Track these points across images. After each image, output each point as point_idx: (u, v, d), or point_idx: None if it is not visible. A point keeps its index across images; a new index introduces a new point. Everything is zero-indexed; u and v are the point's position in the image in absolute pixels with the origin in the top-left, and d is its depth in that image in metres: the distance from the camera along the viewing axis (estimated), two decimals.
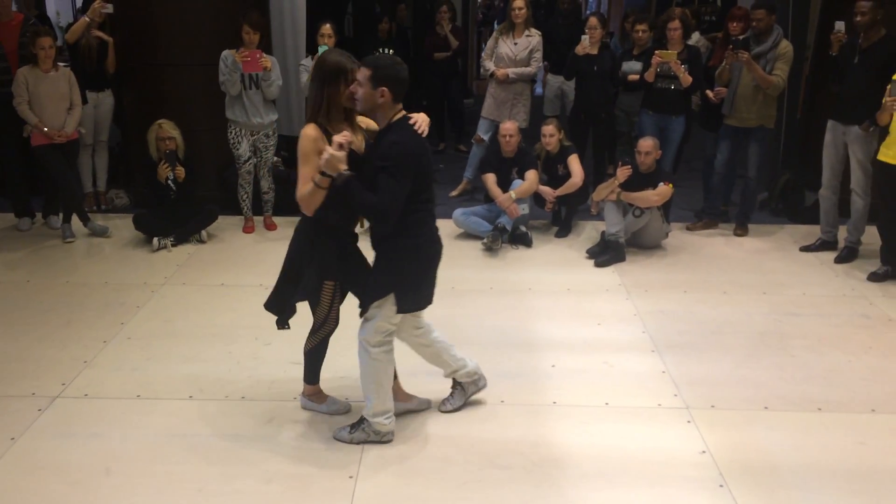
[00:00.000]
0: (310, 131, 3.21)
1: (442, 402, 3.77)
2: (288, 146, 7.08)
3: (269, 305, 3.57)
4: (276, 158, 6.58)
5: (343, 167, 3.11)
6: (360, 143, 3.34)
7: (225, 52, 5.97)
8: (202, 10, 6.54)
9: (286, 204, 6.73)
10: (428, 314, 3.59)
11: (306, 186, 3.17)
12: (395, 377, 3.65)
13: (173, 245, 5.95)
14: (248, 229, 6.37)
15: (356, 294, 3.48)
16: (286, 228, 6.43)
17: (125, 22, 6.67)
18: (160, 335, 4.54)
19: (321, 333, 3.56)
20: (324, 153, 3.10)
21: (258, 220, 6.48)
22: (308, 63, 6.23)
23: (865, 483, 3.26)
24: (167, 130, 5.89)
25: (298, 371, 4.11)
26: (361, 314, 3.40)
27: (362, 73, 3.17)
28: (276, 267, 5.45)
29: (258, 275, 5.37)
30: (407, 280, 3.33)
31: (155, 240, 5.89)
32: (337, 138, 3.13)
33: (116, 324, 4.68)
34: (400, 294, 3.31)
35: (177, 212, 5.99)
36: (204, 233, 6.10)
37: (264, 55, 5.97)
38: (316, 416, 3.71)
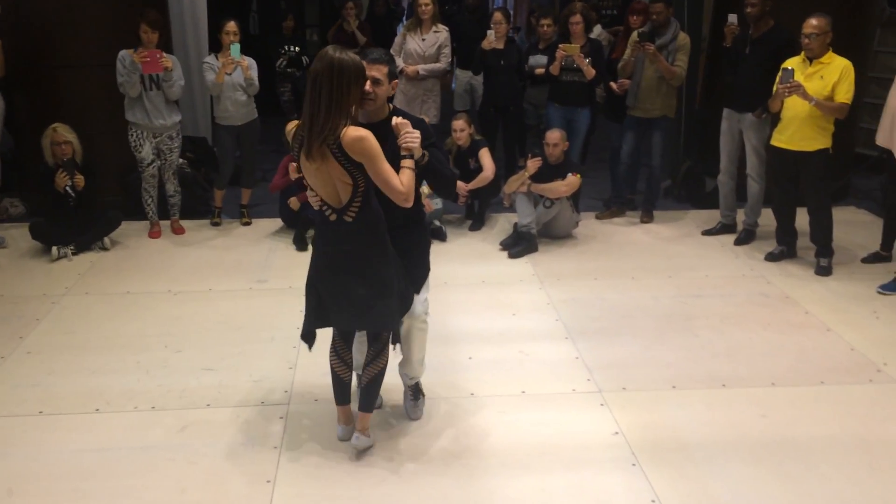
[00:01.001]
0: (363, 132, 2.96)
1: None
2: (193, 147, 6.88)
3: (389, 326, 3.36)
4: (181, 161, 6.39)
5: (420, 149, 3.12)
6: None
7: (122, 53, 5.75)
8: (98, 8, 6.27)
9: (193, 207, 6.58)
10: None
11: (405, 176, 3.03)
12: (349, 401, 3.54)
13: (74, 254, 5.71)
14: (154, 234, 6.17)
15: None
16: (194, 232, 6.30)
17: (16, 22, 6.33)
18: (62, 348, 4.36)
19: (386, 342, 3.41)
20: (409, 139, 3.04)
21: (165, 224, 6.28)
22: (212, 61, 6.06)
23: (767, 453, 3.43)
24: (62, 135, 5.64)
25: (210, 377, 4.03)
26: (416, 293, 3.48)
27: (380, 71, 3.11)
28: (186, 272, 5.35)
29: (166, 281, 5.21)
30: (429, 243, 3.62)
31: (54, 249, 5.64)
32: (401, 121, 3.09)
33: (14, 338, 4.46)
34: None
35: (77, 219, 5.74)
36: (107, 240, 5.87)
37: (164, 55, 5.78)
38: (231, 424, 3.63)
